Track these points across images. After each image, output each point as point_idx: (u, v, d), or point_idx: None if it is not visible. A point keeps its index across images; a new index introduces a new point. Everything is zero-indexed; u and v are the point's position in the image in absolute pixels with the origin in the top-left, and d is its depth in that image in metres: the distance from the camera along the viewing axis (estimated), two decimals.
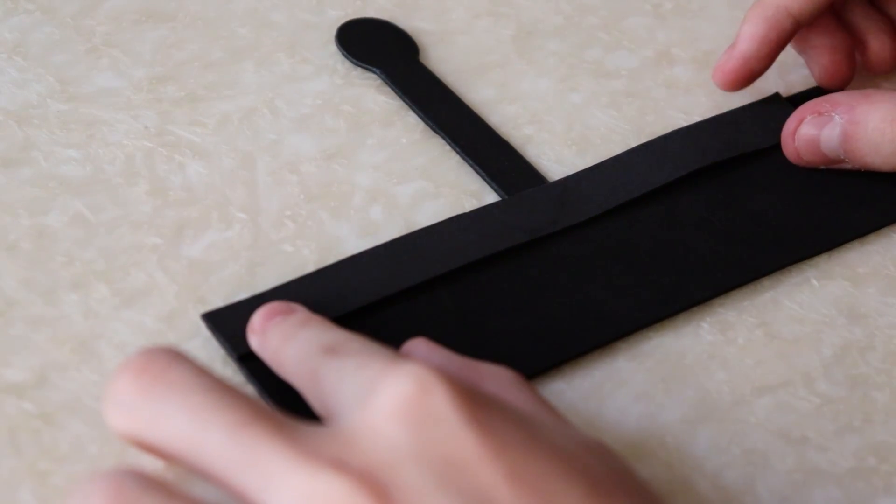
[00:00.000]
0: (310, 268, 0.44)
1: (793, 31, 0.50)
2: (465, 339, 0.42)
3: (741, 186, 0.48)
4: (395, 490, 0.31)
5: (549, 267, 0.45)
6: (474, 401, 0.33)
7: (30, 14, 0.53)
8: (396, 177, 0.48)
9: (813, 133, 0.48)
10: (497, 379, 0.37)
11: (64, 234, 0.44)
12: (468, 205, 0.47)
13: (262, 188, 0.47)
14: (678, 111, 0.52)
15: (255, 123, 0.49)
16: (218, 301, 0.43)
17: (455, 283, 0.44)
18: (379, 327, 0.41)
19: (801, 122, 0.48)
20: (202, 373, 0.34)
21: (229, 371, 0.41)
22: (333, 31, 0.54)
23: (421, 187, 0.48)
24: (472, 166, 0.49)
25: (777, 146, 0.50)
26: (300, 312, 0.39)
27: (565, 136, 0.50)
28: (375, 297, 0.42)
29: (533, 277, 0.44)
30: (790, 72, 0.54)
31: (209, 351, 0.41)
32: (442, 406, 0.33)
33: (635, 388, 0.42)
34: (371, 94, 0.51)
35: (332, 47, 0.53)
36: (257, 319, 0.39)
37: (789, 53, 0.54)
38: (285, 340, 0.38)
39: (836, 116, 0.47)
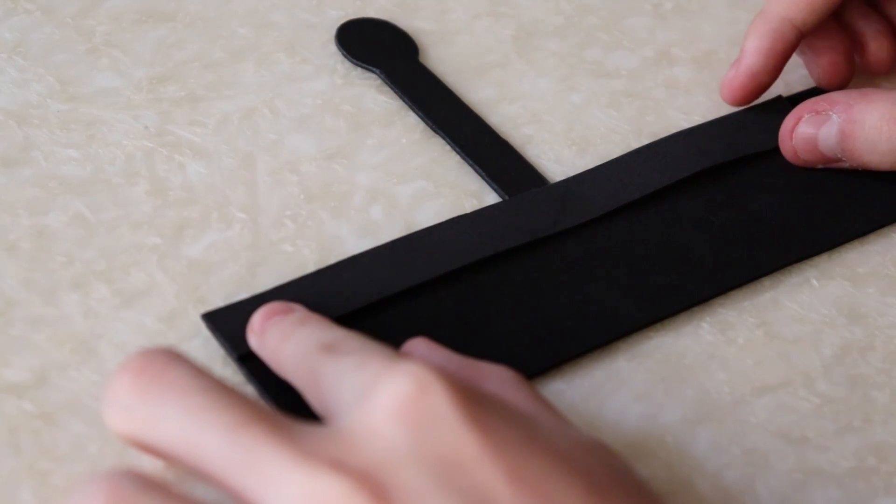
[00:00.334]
0: (310, 268, 0.44)
1: (796, 42, 0.50)
2: (465, 339, 0.42)
3: (741, 187, 0.48)
4: (394, 490, 0.31)
5: (550, 267, 0.45)
6: (473, 400, 0.33)
7: (30, 14, 0.53)
8: (396, 177, 0.48)
9: (811, 132, 0.48)
10: (497, 379, 0.37)
11: (64, 234, 0.44)
12: (468, 205, 0.47)
13: (262, 188, 0.47)
14: (678, 111, 0.52)
15: (255, 123, 0.49)
16: (218, 301, 0.43)
17: (455, 284, 0.44)
18: (379, 327, 0.41)
19: (798, 120, 0.48)
20: (200, 373, 0.34)
21: (229, 371, 0.41)
22: (333, 31, 0.54)
23: (421, 187, 0.48)
24: (472, 166, 0.49)
25: (778, 147, 0.50)
26: (299, 311, 0.40)
27: (565, 136, 0.50)
28: (376, 297, 0.42)
29: (533, 278, 0.44)
30: (790, 72, 0.54)
31: (209, 351, 0.41)
32: (441, 405, 0.33)
33: (635, 388, 0.42)
34: (371, 94, 0.51)
35: (332, 47, 0.53)
36: (257, 319, 0.39)
37: None
38: (284, 339, 0.38)
39: (834, 115, 0.47)
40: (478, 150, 0.49)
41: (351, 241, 0.45)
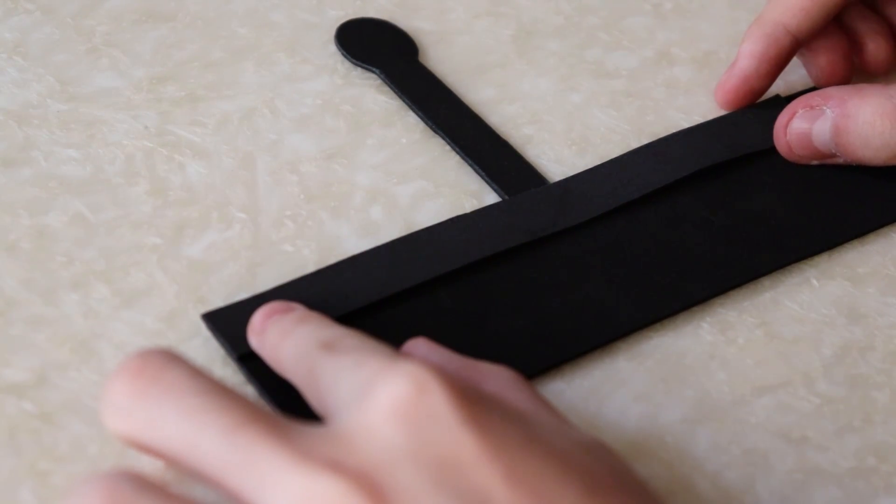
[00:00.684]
0: (310, 268, 0.44)
1: (791, 48, 0.50)
2: (465, 339, 0.42)
3: (741, 186, 0.48)
4: (391, 491, 0.31)
5: (550, 267, 0.45)
6: (472, 400, 0.33)
7: (30, 14, 0.53)
8: (396, 177, 0.48)
9: (805, 127, 0.48)
10: (497, 379, 0.37)
11: (64, 234, 0.44)
12: (468, 205, 0.47)
13: (262, 188, 0.47)
14: (678, 111, 0.52)
15: (255, 123, 0.49)
16: (218, 301, 0.43)
17: (455, 284, 0.44)
18: (379, 327, 0.41)
19: (792, 116, 0.48)
20: (198, 374, 0.34)
21: (229, 371, 0.41)
22: (333, 31, 0.54)
23: (421, 187, 0.48)
24: (472, 166, 0.49)
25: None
26: (299, 310, 0.40)
27: (565, 136, 0.50)
28: (376, 297, 0.42)
29: (533, 278, 0.44)
30: (790, 72, 0.54)
31: (209, 351, 0.41)
32: (439, 406, 0.33)
33: (635, 388, 0.42)
34: (371, 94, 0.51)
35: (332, 47, 0.53)
36: (257, 319, 0.39)
37: None
38: (283, 337, 0.38)
39: (828, 110, 0.47)
40: (478, 150, 0.49)
41: (351, 241, 0.45)
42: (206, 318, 0.41)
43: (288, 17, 0.55)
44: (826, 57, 0.52)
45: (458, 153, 0.49)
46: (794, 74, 0.54)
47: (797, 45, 0.51)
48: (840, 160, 0.48)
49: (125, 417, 0.34)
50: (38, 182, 0.46)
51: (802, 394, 0.42)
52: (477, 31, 0.55)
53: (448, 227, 0.45)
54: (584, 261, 0.45)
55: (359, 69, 0.52)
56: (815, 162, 0.49)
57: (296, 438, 0.32)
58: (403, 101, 0.51)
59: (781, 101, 0.52)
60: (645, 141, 0.50)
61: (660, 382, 0.42)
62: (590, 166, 0.49)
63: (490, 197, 0.48)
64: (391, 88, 0.51)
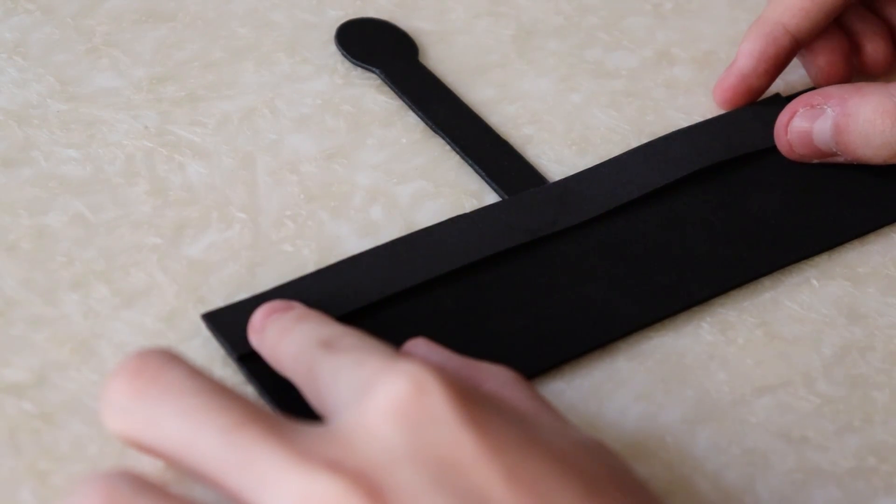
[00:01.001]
0: (310, 268, 0.44)
1: (791, 48, 0.50)
2: (465, 339, 0.42)
3: (741, 186, 0.48)
4: (390, 491, 0.31)
5: (549, 267, 0.45)
6: (471, 400, 0.33)
7: (30, 14, 0.53)
8: (396, 177, 0.48)
9: (805, 126, 0.48)
10: (497, 379, 0.37)
11: (64, 234, 0.44)
12: (468, 205, 0.47)
13: (262, 188, 0.47)
14: (678, 111, 0.52)
15: (255, 123, 0.49)
16: (218, 301, 0.42)
17: (455, 284, 0.44)
18: (379, 327, 0.41)
19: (793, 115, 0.48)
20: (196, 374, 0.34)
21: (229, 371, 0.41)
22: (333, 31, 0.54)
23: (421, 187, 0.48)
24: (472, 166, 0.49)
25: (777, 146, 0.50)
26: (298, 308, 0.39)
27: (565, 136, 0.50)
28: (376, 297, 0.42)
29: (533, 278, 0.44)
30: (790, 72, 0.54)
31: (209, 351, 0.41)
32: (438, 406, 0.33)
33: (635, 388, 0.42)
34: (371, 94, 0.51)
35: (332, 47, 0.53)
36: (257, 317, 0.39)
37: None
38: (282, 335, 0.38)
39: (829, 109, 0.48)
40: (478, 150, 0.49)
41: (351, 241, 0.45)
42: (206, 318, 0.41)
43: (288, 17, 0.55)
44: (825, 58, 0.52)
45: (458, 153, 0.49)
46: (794, 74, 0.54)
47: (797, 45, 0.51)
48: (841, 159, 0.48)
49: (124, 417, 0.34)
50: (38, 182, 0.46)
51: (802, 394, 0.42)
52: (477, 31, 0.55)
53: (448, 227, 0.45)
54: (584, 261, 0.45)
55: (359, 69, 0.52)
56: (815, 161, 0.49)
57: (295, 438, 0.32)
58: (403, 101, 0.51)
59: (782, 101, 0.52)
60: (645, 141, 0.50)
61: (660, 382, 0.42)
62: (590, 166, 0.49)
63: (490, 197, 0.48)
64: (391, 88, 0.51)
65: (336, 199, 0.47)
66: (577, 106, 0.52)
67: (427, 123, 0.50)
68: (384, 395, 0.33)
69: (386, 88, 0.51)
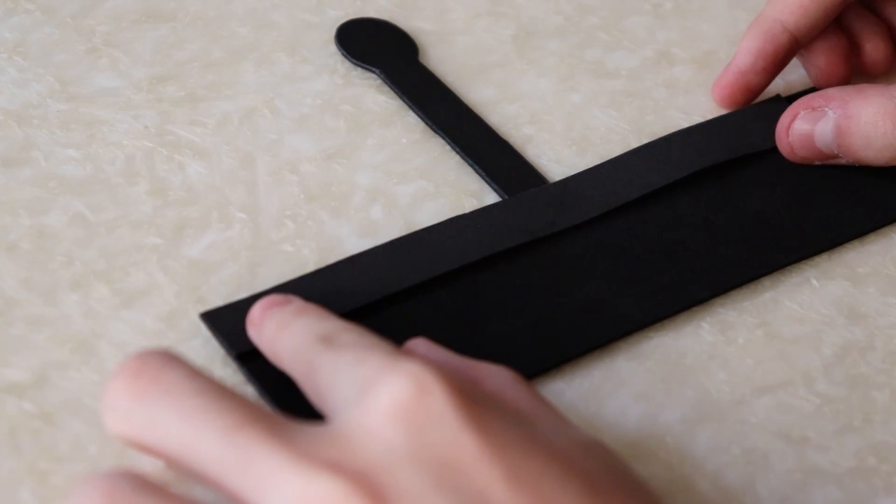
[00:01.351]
0: (310, 268, 0.44)
1: (790, 46, 0.50)
2: (465, 339, 0.42)
3: (741, 186, 0.48)
4: (391, 492, 0.31)
5: (549, 267, 0.45)
6: (472, 400, 0.33)
7: (30, 14, 0.53)
8: (396, 177, 0.48)
9: (807, 128, 0.48)
10: (496, 379, 0.37)
11: (64, 234, 0.44)
12: (468, 205, 0.47)
13: (262, 188, 0.47)
14: (678, 111, 0.52)
15: (255, 123, 0.49)
16: (218, 301, 0.42)
17: (455, 283, 0.44)
18: (379, 327, 0.41)
19: (794, 117, 0.48)
20: (196, 375, 0.34)
21: (229, 371, 0.41)
22: (333, 31, 0.54)
23: (421, 187, 0.48)
24: (472, 166, 0.49)
25: (777, 147, 0.50)
26: (296, 302, 0.39)
27: (565, 136, 0.50)
28: (375, 296, 0.42)
29: (533, 278, 0.44)
30: (790, 72, 0.54)
31: (209, 351, 0.41)
32: (440, 407, 0.33)
33: (635, 388, 0.42)
34: (371, 94, 0.51)
35: (332, 47, 0.53)
36: (256, 311, 0.39)
37: None
38: (281, 329, 0.38)
39: (830, 111, 0.48)
40: (478, 150, 0.49)
41: (351, 241, 0.45)
42: (205, 317, 0.41)
43: (288, 17, 0.55)
44: (825, 58, 0.52)
45: (458, 153, 0.49)
46: (794, 74, 0.54)
47: (796, 43, 0.51)
48: (843, 161, 0.48)
49: (125, 419, 0.34)
50: (38, 182, 0.46)
51: (802, 394, 0.42)
52: (477, 31, 0.55)
53: (448, 226, 0.45)
54: (584, 261, 0.45)
55: (359, 69, 0.52)
56: (817, 162, 0.49)
57: (295, 439, 0.32)
58: (403, 101, 0.51)
59: (781, 101, 0.52)
60: (645, 141, 0.50)
61: (660, 382, 0.42)
62: (590, 166, 0.49)
63: (490, 197, 0.48)
64: (391, 88, 0.51)
65: (336, 199, 0.47)
66: (577, 106, 0.52)
67: (427, 123, 0.50)
68: (385, 395, 0.33)
69: (386, 88, 0.51)
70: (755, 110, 0.51)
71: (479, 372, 0.38)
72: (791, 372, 0.43)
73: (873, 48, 0.53)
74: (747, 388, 0.42)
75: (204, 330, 0.41)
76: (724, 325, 0.44)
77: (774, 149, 0.50)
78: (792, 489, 0.40)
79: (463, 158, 0.49)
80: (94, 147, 0.48)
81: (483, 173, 0.48)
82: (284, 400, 0.38)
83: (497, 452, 0.32)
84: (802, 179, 0.49)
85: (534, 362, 0.42)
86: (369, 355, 0.35)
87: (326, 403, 0.35)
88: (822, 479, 0.40)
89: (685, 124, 0.51)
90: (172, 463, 0.34)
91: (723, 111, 0.52)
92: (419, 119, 0.50)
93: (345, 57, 0.53)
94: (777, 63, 0.51)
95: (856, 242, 0.47)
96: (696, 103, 0.53)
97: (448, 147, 0.49)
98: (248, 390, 0.40)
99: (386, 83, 0.52)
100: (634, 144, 0.50)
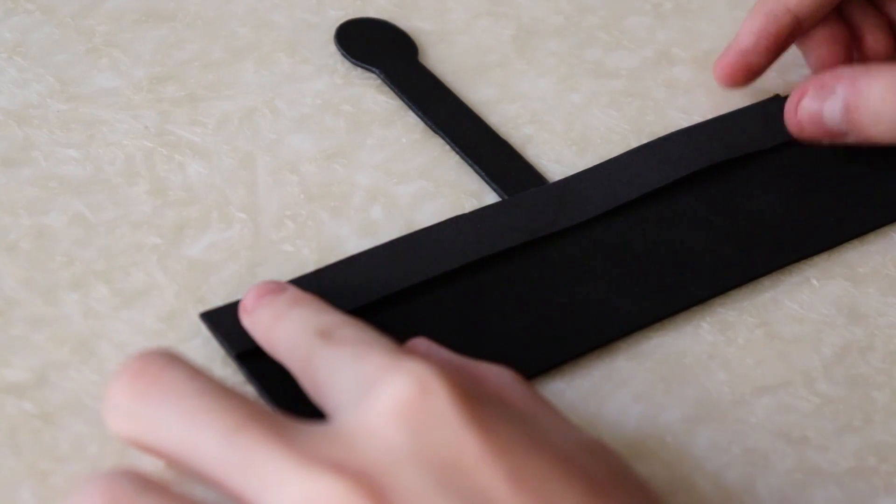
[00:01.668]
0: (310, 268, 0.44)
1: (792, 28, 0.50)
2: (465, 339, 0.42)
3: (741, 186, 0.48)
4: (393, 492, 0.31)
5: (549, 267, 0.45)
6: (474, 400, 0.33)
7: (30, 14, 0.53)
8: (396, 177, 0.48)
9: (815, 106, 0.48)
10: (497, 379, 0.37)
11: (64, 234, 0.44)
12: (468, 205, 0.47)
13: (262, 188, 0.47)
14: (678, 111, 0.52)
15: (255, 123, 0.49)
16: (218, 301, 0.42)
17: (455, 283, 0.44)
18: (379, 327, 0.41)
19: (803, 95, 0.48)
20: (197, 375, 0.34)
21: (229, 371, 0.41)
22: (333, 31, 0.54)
23: (421, 187, 0.48)
24: (472, 166, 0.49)
25: (777, 146, 0.50)
26: (291, 290, 0.39)
27: (565, 136, 0.50)
28: (375, 296, 0.42)
29: (533, 278, 0.44)
30: (790, 72, 0.54)
31: (209, 351, 0.41)
32: (442, 406, 0.33)
33: (635, 388, 0.42)
34: (371, 94, 0.51)
35: (332, 47, 0.53)
36: (249, 298, 0.39)
37: (789, 53, 0.54)
38: (276, 320, 0.38)
39: (839, 88, 0.47)
40: (478, 150, 0.49)
41: (351, 241, 0.45)
42: (205, 316, 0.41)
43: (288, 17, 0.55)
44: (826, 48, 0.52)
45: (458, 153, 0.49)
46: (794, 74, 0.54)
47: (798, 26, 0.50)
48: (851, 139, 0.48)
49: (126, 419, 0.34)
50: (38, 182, 0.46)
51: (802, 394, 0.42)
52: (477, 31, 0.55)
53: (448, 226, 0.45)
54: (584, 261, 0.45)
55: (359, 69, 0.52)
56: (826, 142, 0.49)
57: (297, 439, 0.32)
58: (403, 101, 0.51)
59: (781, 101, 0.52)
60: (645, 141, 0.50)
61: (660, 382, 0.42)
62: (590, 166, 0.49)
63: (490, 197, 0.48)
64: (391, 88, 0.51)
65: (336, 199, 0.47)
66: (577, 106, 0.52)
67: (427, 123, 0.50)
68: (387, 395, 0.33)
69: (386, 88, 0.52)
70: (755, 110, 0.51)
71: (480, 371, 0.38)
72: (791, 372, 0.43)
73: (874, 41, 0.53)
74: (747, 388, 0.42)
75: (204, 330, 0.42)
76: (724, 325, 0.44)
77: (774, 148, 0.50)
78: (792, 489, 0.40)
79: (463, 158, 0.49)
80: (94, 147, 0.48)
81: (483, 173, 0.48)
82: (285, 399, 0.38)
83: (499, 452, 0.32)
84: (802, 179, 0.49)
85: (534, 362, 0.42)
86: (369, 352, 0.34)
87: (326, 401, 0.35)
88: (822, 479, 0.40)
89: (685, 124, 0.51)
90: (174, 463, 0.34)
91: (723, 111, 0.52)
92: (419, 119, 0.50)
93: (345, 57, 0.53)
94: (779, 44, 0.50)
95: (856, 242, 0.47)
96: (696, 103, 0.53)
97: (448, 147, 0.49)
98: (249, 390, 0.40)
99: (386, 83, 0.52)
100: (634, 144, 0.50)
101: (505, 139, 0.50)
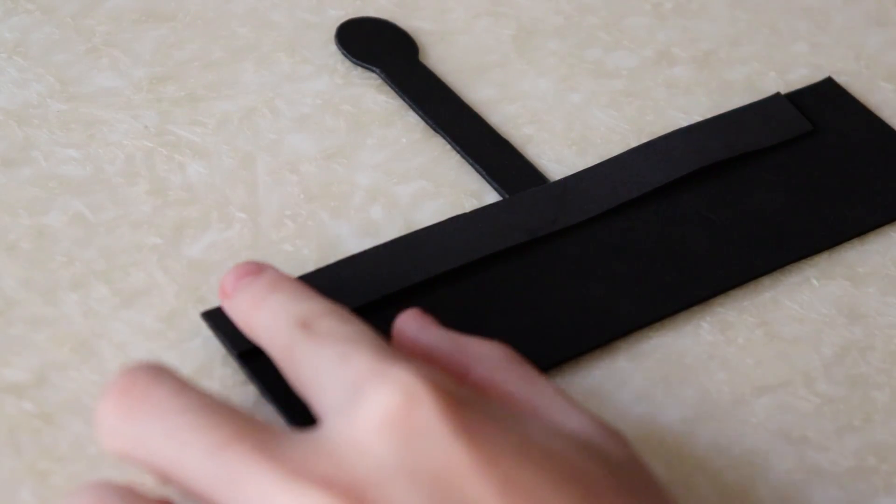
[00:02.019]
0: (310, 268, 0.44)
1: None
2: None
3: (741, 185, 0.48)
4: None
5: (549, 267, 0.45)
6: (464, 407, 0.33)
7: (30, 14, 0.53)
8: (396, 177, 0.48)
9: None
10: (489, 360, 0.37)
11: (64, 234, 0.44)
12: (468, 205, 0.47)
13: (262, 188, 0.47)
14: (678, 111, 0.52)
15: (255, 123, 0.49)
16: (218, 301, 0.42)
17: (455, 283, 0.44)
18: (378, 327, 0.41)
19: None
20: (185, 390, 0.34)
21: (230, 370, 0.41)
22: (333, 31, 0.54)
23: (421, 187, 0.48)
24: (472, 166, 0.49)
25: (777, 146, 0.50)
26: (269, 272, 0.39)
27: (565, 136, 0.50)
28: (375, 296, 0.42)
29: (533, 277, 0.44)
30: (790, 71, 0.54)
31: (209, 351, 0.41)
32: (430, 418, 0.32)
33: (635, 388, 0.42)
34: (371, 94, 0.51)
35: (332, 47, 0.53)
36: (228, 281, 0.39)
37: (789, 52, 0.54)
38: (255, 305, 0.38)
39: None
40: (478, 149, 0.49)
41: (351, 240, 0.45)
42: (206, 316, 0.41)
43: (288, 16, 0.55)
44: None
45: (458, 153, 0.49)
46: (795, 74, 0.54)
47: None
48: None
49: (116, 437, 0.34)
50: (38, 182, 0.46)
51: (802, 394, 0.42)
52: (477, 31, 0.55)
53: (448, 226, 0.45)
54: (584, 260, 0.45)
55: (359, 69, 0.52)
56: None
57: (285, 454, 0.32)
58: (403, 100, 0.51)
59: (781, 100, 0.52)
60: (645, 140, 0.50)
61: (660, 382, 0.42)
62: (590, 166, 0.49)
63: (490, 196, 0.48)
64: (391, 88, 0.51)
65: (336, 199, 0.47)
66: (577, 106, 0.52)
67: (427, 123, 0.50)
68: (374, 406, 0.32)
69: (386, 88, 0.51)
70: (755, 109, 0.51)
71: (470, 353, 0.37)
72: (791, 372, 0.43)
73: None
74: (747, 388, 0.42)
75: (204, 330, 0.41)
76: (724, 325, 0.44)
77: (774, 148, 0.50)
78: (792, 489, 0.40)
79: (463, 158, 0.49)
80: (94, 147, 0.48)
81: (483, 173, 0.48)
82: (286, 399, 0.38)
83: (490, 463, 0.31)
84: (802, 179, 0.49)
85: (534, 362, 0.41)
86: (354, 354, 0.34)
87: (312, 400, 0.34)
88: (822, 478, 0.40)
89: (685, 124, 0.51)
90: (164, 479, 0.34)
91: (723, 111, 0.52)
92: (419, 119, 0.50)
93: (345, 56, 0.53)
94: None
95: (856, 242, 0.47)
96: (696, 103, 0.52)
97: (448, 147, 0.49)
98: (249, 389, 0.40)
99: (386, 83, 0.52)
100: (634, 144, 0.50)
101: (505, 139, 0.50)
